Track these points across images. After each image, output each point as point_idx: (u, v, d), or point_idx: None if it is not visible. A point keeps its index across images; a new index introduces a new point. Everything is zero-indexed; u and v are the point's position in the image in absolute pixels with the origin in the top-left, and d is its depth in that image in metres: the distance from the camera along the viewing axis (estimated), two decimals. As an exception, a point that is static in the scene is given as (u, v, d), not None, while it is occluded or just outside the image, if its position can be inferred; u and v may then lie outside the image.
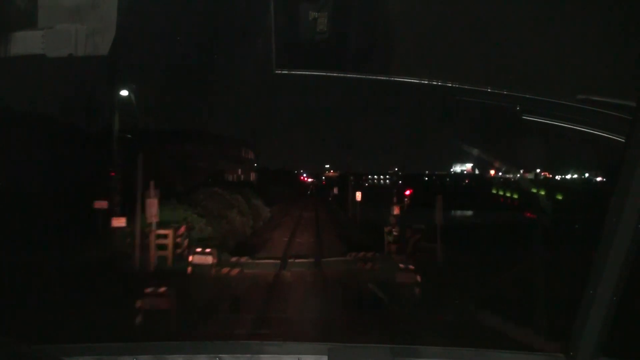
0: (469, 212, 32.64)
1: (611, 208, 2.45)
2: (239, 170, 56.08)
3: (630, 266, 2.45)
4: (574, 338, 2.66)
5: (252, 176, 61.78)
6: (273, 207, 37.73)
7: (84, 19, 2.82)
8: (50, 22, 2.83)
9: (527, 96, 3.24)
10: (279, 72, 3.17)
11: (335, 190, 57.68)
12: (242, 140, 60.83)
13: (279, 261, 15.98)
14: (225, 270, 14.53)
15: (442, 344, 2.99)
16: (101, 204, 16.34)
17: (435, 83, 3.30)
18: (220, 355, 2.85)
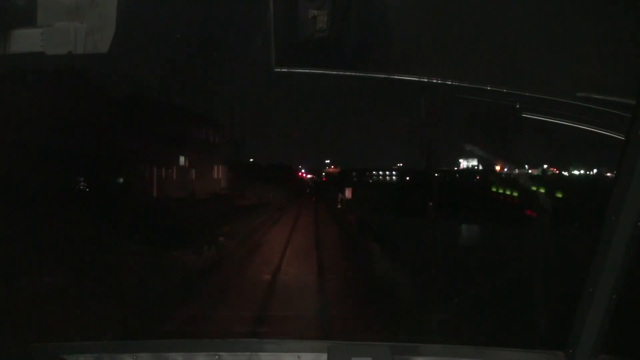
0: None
1: (611, 206, 2.45)
2: (185, 161, 35.33)
3: (629, 264, 2.45)
4: (573, 335, 2.66)
5: (217, 171, 41.26)
6: (222, 239, 17.79)
7: (83, 17, 2.82)
8: (50, 20, 2.83)
9: (527, 94, 3.24)
10: (278, 70, 3.16)
11: (348, 193, 34.74)
12: (194, 114, 35.97)
13: None
14: None
15: (441, 342, 3.00)
16: None
17: (434, 81, 3.30)
18: (219, 353, 2.85)
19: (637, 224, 2.38)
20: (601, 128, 3.03)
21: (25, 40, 2.87)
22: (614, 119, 2.76)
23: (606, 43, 3.12)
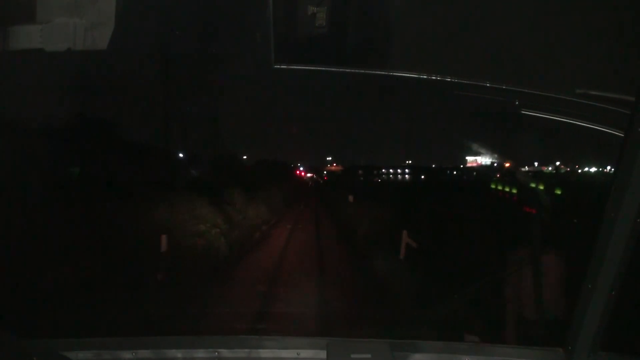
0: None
1: (610, 202, 2.45)
2: None
3: (628, 261, 2.46)
4: (572, 332, 2.67)
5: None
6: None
7: (83, 13, 2.82)
8: (49, 16, 2.82)
9: (526, 91, 3.24)
10: (278, 67, 3.16)
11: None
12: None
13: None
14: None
15: (441, 338, 3.00)
16: None
17: (434, 78, 3.30)
18: (218, 349, 2.85)
19: (636, 220, 2.38)
20: (600, 125, 3.04)
21: (24, 37, 2.86)
22: (613, 115, 2.76)
23: (605, 40, 3.12)
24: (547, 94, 3.21)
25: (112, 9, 2.81)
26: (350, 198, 26.97)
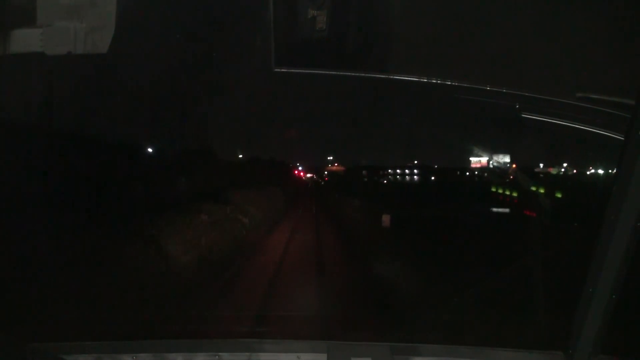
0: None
1: (610, 206, 2.45)
2: None
3: (629, 264, 2.45)
4: (572, 336, 2.66)
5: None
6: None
7: (83, 17, 2.82)
8: (49, 20, 2.83)
9: (527, 94, 3.24)
10: (278, 70, 3.16)
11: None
12: None
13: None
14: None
15: (441, 342, 2.99)
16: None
17: (434, 81, 3.30)
18: (219, 353, 2.85)
19: (636, 224, 2.38)
20: (600, 128, 3.04)
21: (24, 40, 2.86)
22: (613, 119, 2.76)
23: (605, 43, 3.12)
24: (548, 97, 3.21)
25: (113, 12, 2.81)
26: (386, 220, 15.70)
